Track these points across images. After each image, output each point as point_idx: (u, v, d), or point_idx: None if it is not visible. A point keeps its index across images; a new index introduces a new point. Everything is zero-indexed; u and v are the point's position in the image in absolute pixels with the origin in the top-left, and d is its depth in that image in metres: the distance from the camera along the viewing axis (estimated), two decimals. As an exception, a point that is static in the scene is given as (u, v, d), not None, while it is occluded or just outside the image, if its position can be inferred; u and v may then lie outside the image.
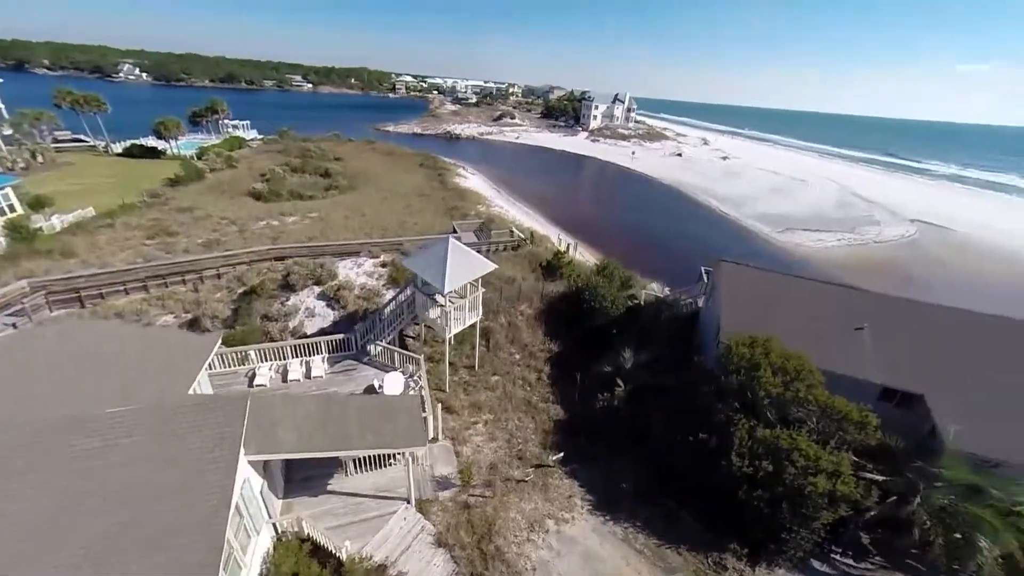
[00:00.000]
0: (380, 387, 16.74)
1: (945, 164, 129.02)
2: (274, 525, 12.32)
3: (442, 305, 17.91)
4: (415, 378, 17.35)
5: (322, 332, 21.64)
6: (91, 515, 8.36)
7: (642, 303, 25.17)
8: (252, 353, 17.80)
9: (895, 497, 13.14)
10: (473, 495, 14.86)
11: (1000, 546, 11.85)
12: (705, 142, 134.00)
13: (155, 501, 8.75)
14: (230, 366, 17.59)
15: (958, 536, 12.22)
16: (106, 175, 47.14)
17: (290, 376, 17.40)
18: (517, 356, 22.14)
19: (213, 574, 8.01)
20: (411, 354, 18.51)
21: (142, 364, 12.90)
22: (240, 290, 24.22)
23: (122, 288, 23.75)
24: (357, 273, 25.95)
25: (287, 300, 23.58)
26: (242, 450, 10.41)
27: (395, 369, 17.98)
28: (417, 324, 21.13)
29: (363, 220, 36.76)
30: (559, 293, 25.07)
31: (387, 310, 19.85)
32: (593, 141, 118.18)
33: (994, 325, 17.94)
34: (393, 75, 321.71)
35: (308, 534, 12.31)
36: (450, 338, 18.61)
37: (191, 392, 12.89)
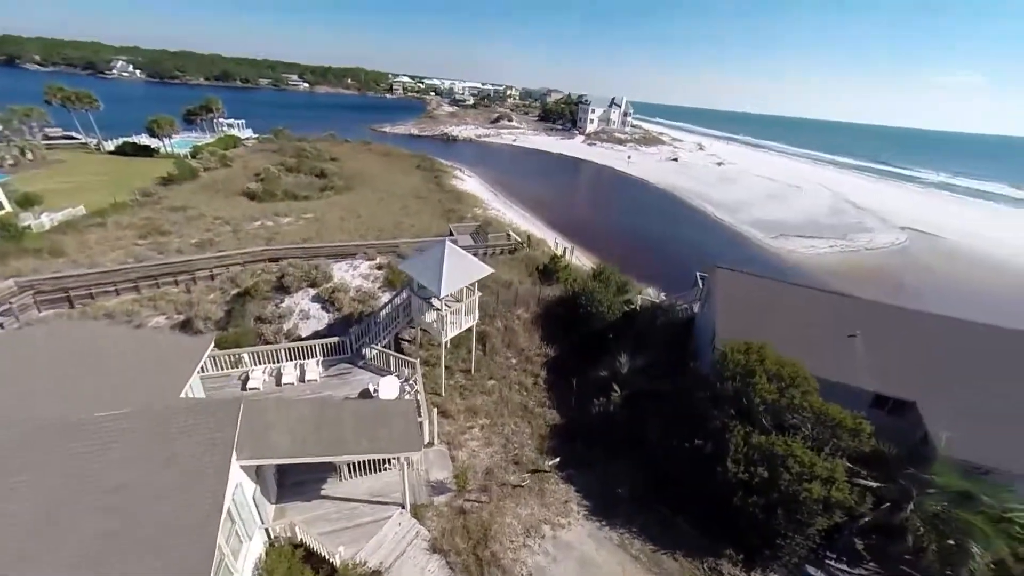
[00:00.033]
0: (375, 391, 16.63)
1: (935, 172, 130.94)
2: (266, 530, 12.16)
3: (438, 309, 17.83)
4: (411, 382, 17.24)
5: (317, 335, 21.44)
6: (79, 521, 8.21)
7: (638, 308, 25.23)
8: (245, 356, 17.61)
9: (889, 503, 13.22)
10: (469, 500, 14.76)
11: (992, 552, 11.96)
12: (700, 147, 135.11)
13: (145, 507, 8.62)
14: (223, 369, 17.39)
15: (951, 542, 12.30)
16: (97, 173, 46.63)
17: (284, 379, 17.23)
18: (514, 360, 22.09)
19: (204, 581, 7.89)
20: (407, 358, 18.40)
21: (133, 366, 12.70)
22: (234, 291, 23.95)
23: (112, 288, 23.42)
24: (352, 275, 25.78)
25: (281, 302, 23.34)
26: (234, 455, 10.28)
27: (390, 373, 17.88)
28: (413, 327, 21.02)
29: (359, 221, 36.60)
30: (556, 297, 25.07)
31: (383, 313, 19.71)
32: (590, 145, 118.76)
33: (983, 334, 18.16)
34: (390, 76, 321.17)
35: (301, 540, 12.16)
36: (446, 342, 18.52)
37: (183, 395, 12.72)
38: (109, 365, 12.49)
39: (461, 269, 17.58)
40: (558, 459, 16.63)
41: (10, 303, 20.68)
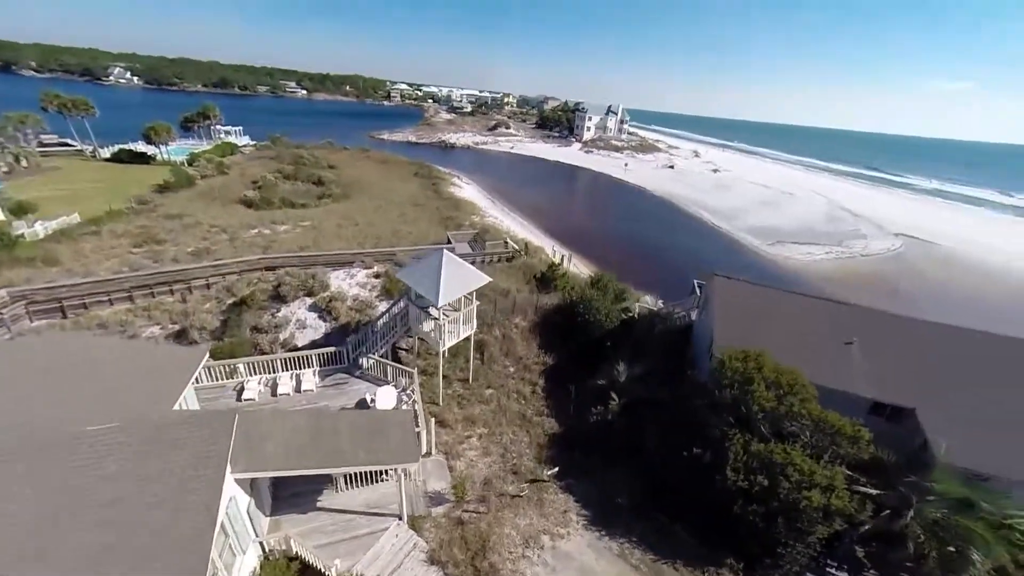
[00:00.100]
0: (372, 401, 16.50)
1: (927, 179, 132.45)
2: (261, 544, 11.98)
3: (436, 318, 17.76)
4: (408, 392, 17.12)
5: (313, 344, 21.32)
6: (72, 536, 8.08)
7: (636, 316, 25.25)
8: (241, 366, 17.45)
9: (889, 511, 13.22)
10: (467, 511, 14.61)
11: (993, 559, 11.96)
12: (696, 154, 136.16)
13: (137, 521, 8.50)
14: (218, 379, 17.22)
15: (951, 549, 12.28)
16: (93, 180, 46.50)
17: (280, 390, 17.07)
18: (511, 369, 22.01)
19: (198, 597, 7.76)
20: (404, 367, 18.28)
21: (126, 378, 12.55)
22: (230, 301, 23.79)
23: (106, 298, 23.21)
24: (350, 284, 25.69)
25: (278, 311, 23.20)
26: (228, 468, 10.17)
27: (388, 383, 17.74)
28: (411, 336, 20.93)
29: (356, 229, 36.55)
30: (553, 305, 25.05)
31: (380, 322, 19.63)
32: (587, 152, 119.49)
33: (979, 340, 18.28)
34: (388, 83, 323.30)
35: (296, 552, 11.99)
36: (444, 351, 18.44)
37: (176, 407, 12.56)
38: (103, 377, 12.35)
39: (459, 278, 17.55)
40: (557, 468, 16.52)
41: (1, 313, 20.47)
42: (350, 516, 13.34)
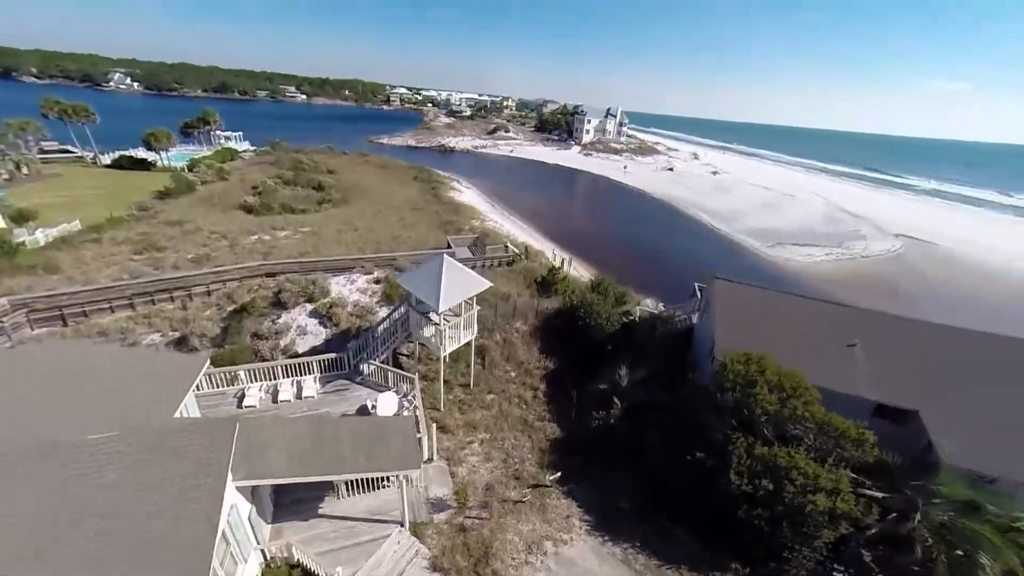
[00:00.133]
0: (373, 407, 16.45)
1: (926, 179, 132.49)
2: (263, 551, 11.94)
3: (437, 324, 17.75)
4: (409, 397, 17.06)
5: (314, 351, 21.26)
6: (72, 545, 8.08)
7: (637, 319, 25.21)
8: (241, 373, 17.44)
9: (895, 514, 13.14)
10: (469, 517, 14.56)
11: (1002, 562, 11.84)
12: (695, 157, 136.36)
13: (138, 530, 8.50)
14: (218, 387, 17.21)
15: (960, 553, 12.19)
16: (94, 187, 46.60)
17: (280, 396, 17.04)
18: (513, 374, 21.95)
19: (198, 606, 7.72)
20: (405, 373, 18.25)
21: (127, 386, 12.53)
22: (230, 308, 23.75)
23: (107, 306, 23.16)
24: (350, 290, 25.66)
25: (278, 318, 23.17)
26: (229, 476, 10.14)
27: (389, 388, 17.71)
28: (411, 342, 20.90)
29: (356, 235, 36.56)
30: (554, 309, 25.02)
31: (381, 328, 19.60)
32: (586, 155, 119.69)
33: (981, 341, 18.23)
34: (388, 87, 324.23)
35: (298, 560, 11.96)
36: (445, 356, 18.40)
37: (177, 415, 12.54)
38: (103, 385, 12.33)
39: (459, 283, 17.54)
40: (559, 473, 16.46)
41: (2, 322, 20.43)
42: (352, 523, 13.32)
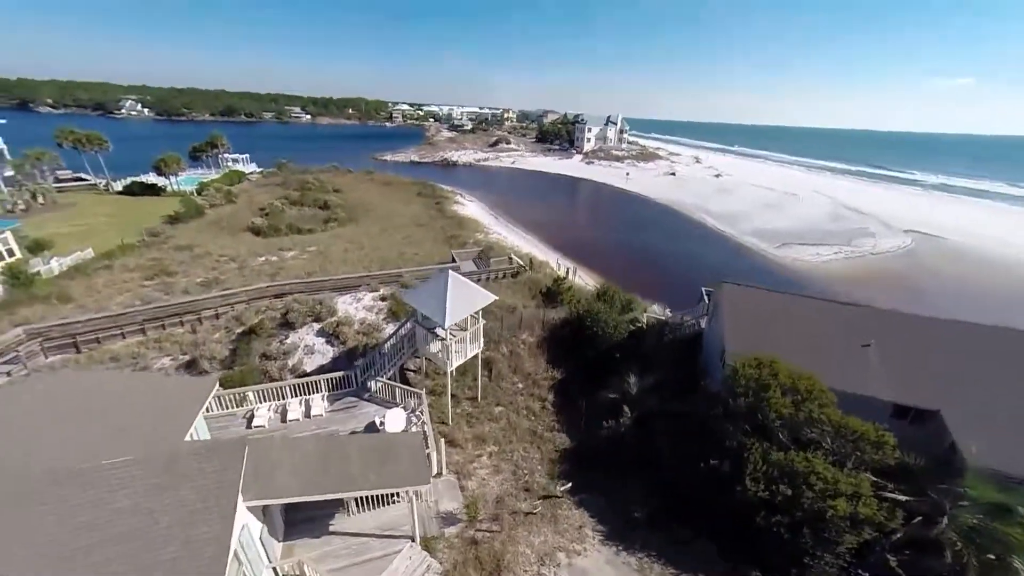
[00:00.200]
0: (381, 424, 16.43)
1: (933, 174, 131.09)
2: (275, 569, 11.85)
3: (443, 339, 17.76)
4: (417, 413, 17.02)
5: (322, 369, 21.31)
6: (87, 571, 8.10)
7: (644, 326, 25.02)
8: (250, 394, 17.51)
9: (920, 517, 12.74)
10: (480, 530, 14.43)
11: (1034, 568, 11.39)
12: (697, 160, 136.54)
13: (152, 553, 8.55)
14: (228, 408, 17.29)
15: (991, 557, 11.77)
16: (106, 214, 47.69)
17: (289, 416, 17.07)
18: (520, 385, 21.84)
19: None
20: (412, 389, 18.23)
21: (138, 411, 12.65)
22: (239, 330, 24.00)
23: (119, 332, 23.53)
24: (356, 308, 25.81)
25: (286, 338, 23.34)
26: (240, 496, 10.13)
27: (396, 405, 17.66)
28: (418, 357, 20.91)
29: (362, 253, 36.88)
30: (560, 319, 24.93)
31: (387, 345, 19.67)
32: (588, 163, 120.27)
33: (1000, 336, 17.82)
34: (390, 104, 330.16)
35: (310, 578, 11.84)
36: (452, 371, 18.38)
37: (188, 438, 12.60)
38: (115, 411, 12.46)
39: (465, 298, 17.57)
40: (570, 484, 16.25)
41: (17, 351, 20.82)
42: (363, 539, 13.23)
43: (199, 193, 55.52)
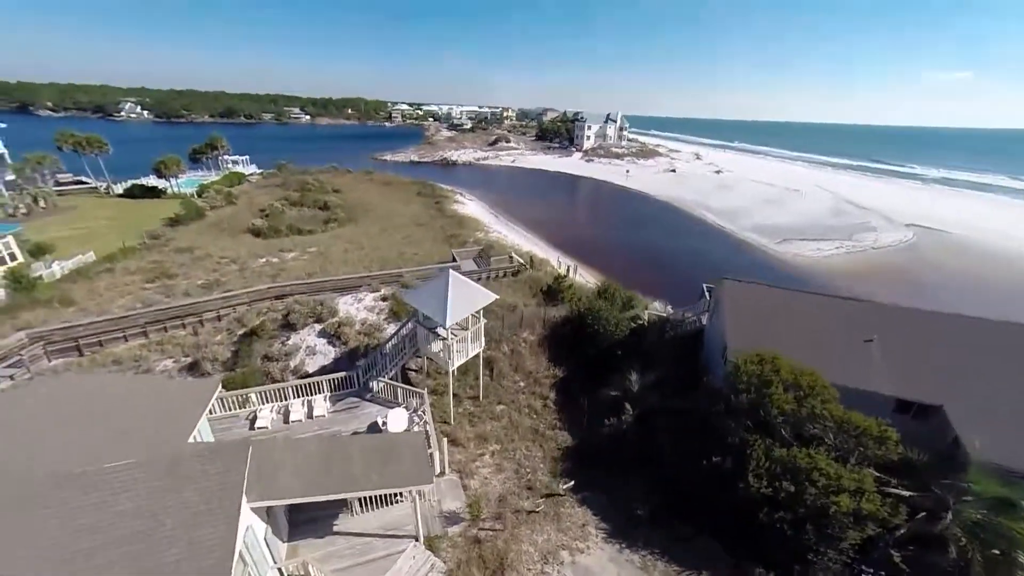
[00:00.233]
0: (384, 424, 16.45)
1: (934, 168, 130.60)
2: (279, 570, 11.89)
3: (444, 338, 17.77)
4: (419, 413, 17.04)
5: (324, 370, 21.35)
6: (88, 572, 8.08)
7: (645, 323, 24.98)
8: (253, 395, 17.55)
9: (924, 513, 12.73)
10: (483, 529, 14.46)
11: (1039, 563, 11.37)
12: (698, 157, 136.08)
13: (156, 556, 8.55)
14: (231, 409, 17.34)
15: (996, 552, 11.74)
16: (107, 217, 47.73)
17: (292, 417, 17.10)
18: (522, 384, 21.84)
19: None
20: (414, 388, 18.27)
21: (142, 414, 12.67)
22: (240, 331, 24.06)
23: (121, 335, 23.61)
24: (357, 308, 25.83)
25: (288, 339, 23.38)
26: (244, 498, 10.15)
27: (399, 405, 17.68)
28: (420, 357, 20.92)
29: (362, 253, 36.87)
30: (561, 318, 24.91)
31: (389, 345, 19.69)
32: (588, 161, 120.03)
33: (1002, 330, 17.75)
34: (389, 104, 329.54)
35: (315, 578, 11.87)
36: (453, 370, 18.39)
37: (191, 440, 12.62)
38: (118, 414, 12.47)
39: (465, 298, 17.56)
40: (572, 482, 16.27)
41: (20, 354, 20.89)
42: (367, 539, 13.27)
43: (199, 195, 55.51)
